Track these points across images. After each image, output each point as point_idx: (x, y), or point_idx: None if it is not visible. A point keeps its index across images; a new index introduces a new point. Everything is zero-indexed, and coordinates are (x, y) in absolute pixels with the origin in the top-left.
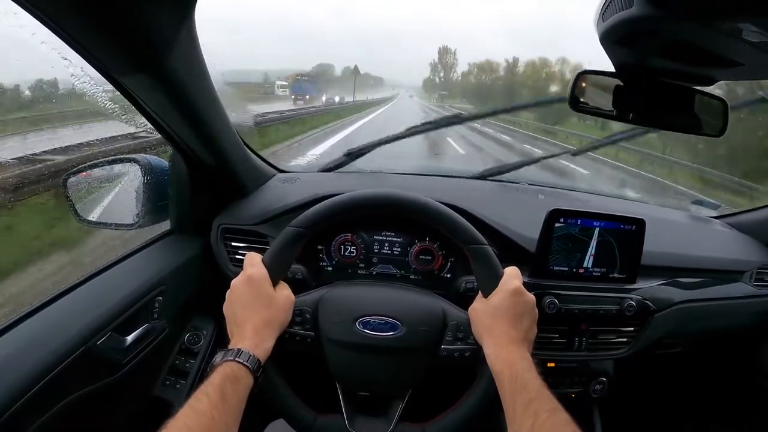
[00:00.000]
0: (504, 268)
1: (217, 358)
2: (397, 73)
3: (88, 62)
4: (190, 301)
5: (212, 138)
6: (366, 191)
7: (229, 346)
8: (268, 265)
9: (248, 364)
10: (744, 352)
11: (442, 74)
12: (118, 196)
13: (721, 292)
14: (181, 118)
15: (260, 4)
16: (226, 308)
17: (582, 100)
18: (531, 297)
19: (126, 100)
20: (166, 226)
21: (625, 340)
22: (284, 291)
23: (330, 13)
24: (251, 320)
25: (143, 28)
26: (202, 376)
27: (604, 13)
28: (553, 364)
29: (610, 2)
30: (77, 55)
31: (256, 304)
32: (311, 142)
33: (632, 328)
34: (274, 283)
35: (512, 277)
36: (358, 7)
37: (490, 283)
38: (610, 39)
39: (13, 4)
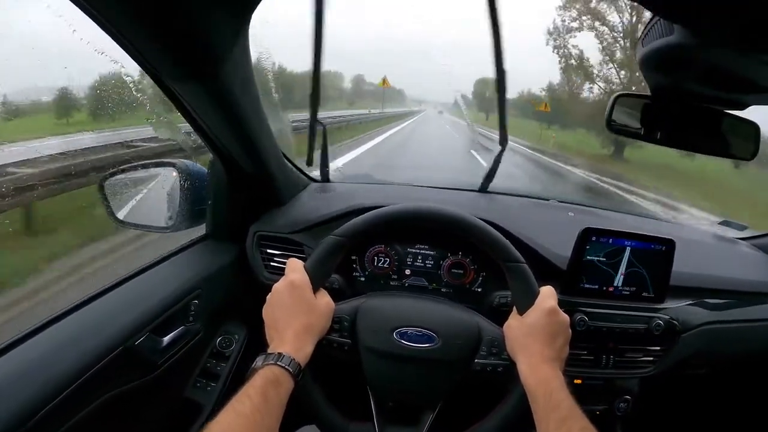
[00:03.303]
0: (540, 287)
1: (258, 361)
2: (421, 88)
3: (141, 66)
4: (224, 306)
5: (254, 146)
6: (408, 205)
7: (269, 350)
8: (310, 271)
9: (290, 369)
10: None
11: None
12: (155, 199)
13: (748, 314)
14: (227, 125)
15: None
16: (266, 312)
17: (617, 122)
18: (565, 317)
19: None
20: (200, 230)
21: (651, 359)
22: (324, 298)
23: (348, 18)
24: (292, 325)
25: (201, 36)
26: (233, 379)
27: (644, 39)
28: (580, 381)
29: (651, 28)
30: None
31: (297, 310)
32: None
33: (659, 348)
34: (315, 290)
35: (548, 296)
36: (382, 16)
37: (526, 301)
38: (649, 64)
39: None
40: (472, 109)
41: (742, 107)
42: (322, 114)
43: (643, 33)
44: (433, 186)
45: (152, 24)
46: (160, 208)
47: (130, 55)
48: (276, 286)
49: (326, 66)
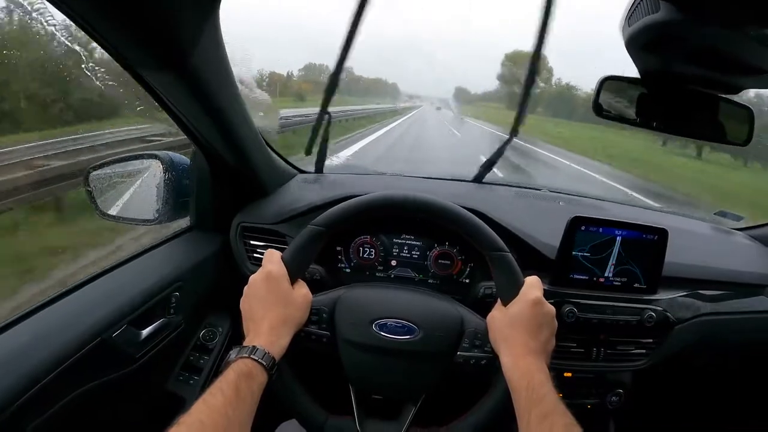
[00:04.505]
0: (525, 276)
1: (232, 354)
2: (418, 82)
3: (112, 56)
4: (207, 298)
5: (234, 137)
6: (386, 192)
7: (244, 343)
8: (287, 262)
9: (263, 362)
10: (765, 367)
11: None
12: (140, 191)
13: (743, 305)
14: (204, 116)
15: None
16: (243, 303)
17: (606, 106)
18: (551, 308)
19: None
20: (186, 222)
21: (643, 351)
22: (302, 289)
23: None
24: (268, 317)
25: (167, 25)
26: (216, 372)
27: (630, 18)
28: (570, 374)
29: (636, 7)
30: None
31: (273, 301)
32: None
33: (651, 340)
34: (293, 282)
35: (533, 286)
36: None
37: (510, 291)
38: (636, 44)
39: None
40: (497, 104)
41: (736, 91)
42: None
43: (628, 12)
44: (425, 176)
45: (115, 10)
46: (146, 201)
47: (97, 42)
48: (253, 278)
49: (314, 61)
